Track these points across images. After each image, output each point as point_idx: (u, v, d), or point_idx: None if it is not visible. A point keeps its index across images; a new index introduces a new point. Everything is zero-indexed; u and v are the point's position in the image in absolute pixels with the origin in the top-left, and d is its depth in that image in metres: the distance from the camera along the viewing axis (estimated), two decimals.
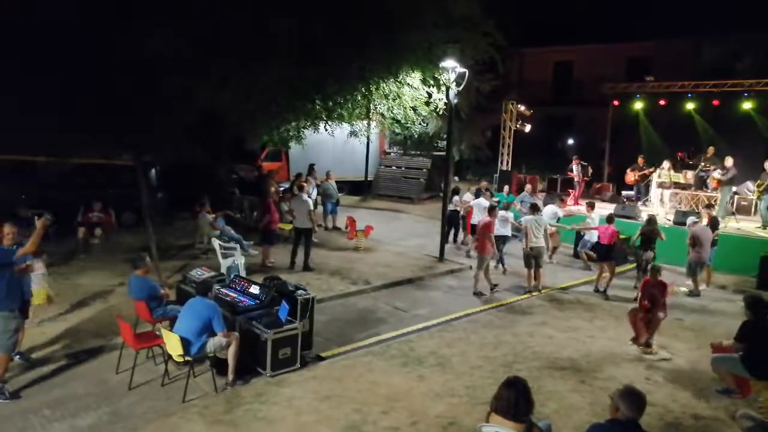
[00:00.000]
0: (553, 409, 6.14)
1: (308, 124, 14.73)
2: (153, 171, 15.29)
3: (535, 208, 11.50)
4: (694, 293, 11.21)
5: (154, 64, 9.11)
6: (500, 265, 12.40)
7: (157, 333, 6.81)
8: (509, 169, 20.99)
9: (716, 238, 11.71)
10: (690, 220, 12.26)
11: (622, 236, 12.55)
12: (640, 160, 17.91)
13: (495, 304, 10.25)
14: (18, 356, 6.77)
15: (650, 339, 8.01)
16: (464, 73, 12.83)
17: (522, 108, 21.01)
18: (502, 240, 12.04)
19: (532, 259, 10.93)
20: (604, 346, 8.15)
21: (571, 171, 19.08)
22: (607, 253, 11.39)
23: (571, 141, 26.77)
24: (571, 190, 19.05)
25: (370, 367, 7.02)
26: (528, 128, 21.16)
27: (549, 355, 7.74)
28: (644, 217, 15.01)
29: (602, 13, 25.61)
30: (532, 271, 10.99)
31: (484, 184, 16.37)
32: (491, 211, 10.98)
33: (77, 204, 12.62)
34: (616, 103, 21.06)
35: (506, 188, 16.78)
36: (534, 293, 10.87)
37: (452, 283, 11.59)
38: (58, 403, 6.10)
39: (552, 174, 22.25)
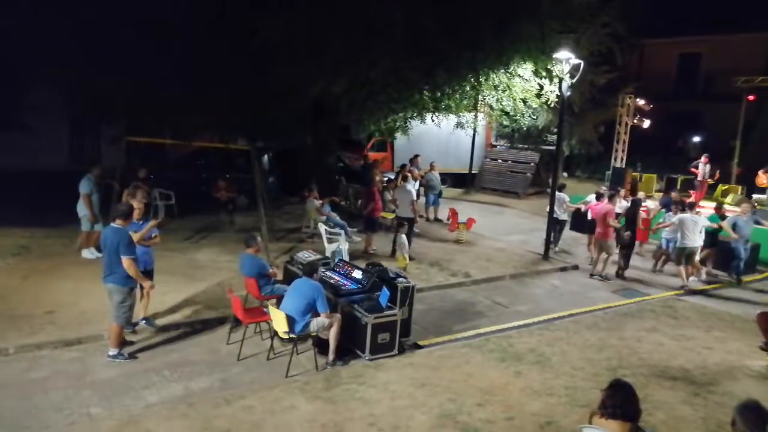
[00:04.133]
0: (661, 420, 5.79)
1: (415, 114, 14.80)
2: (266, 156, 16.09)
3: (692, 207, 11.11)
4: None
5: (271, 54, 9.57)
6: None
7: (265, 310, 7.18)
8: (623, 167, 19.90)
9: None
10: None
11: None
12: None
13: (601, 305, 9.82)
14: (144, 321, 7.43)
15: None
16: (579, 64, 12.29)
17: (641, 102, 19.81)
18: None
19: (684, 257, 10.92)
20: (723, 359, 7.54)
21: (696, 168, 17.75)
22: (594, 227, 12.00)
23: (696, 138, 24.86)
24: (692, 192, 17.74)
25: (467, 359, 6.98)
26: (646, 124, 19.94)
27: (658, 363, 7.29)
28: None
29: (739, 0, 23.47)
30: (683, 267, 10.97)
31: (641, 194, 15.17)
32: (611, 198, 11.53)
33: (197, 185, 13.57)
34: (751, 97, 19.29)
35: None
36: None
37: (556, 282, 11.21)
38: (175, 366, 6.63)
39: (671, 173, 20.83)
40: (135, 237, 6.96)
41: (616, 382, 3.72)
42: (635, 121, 19.87)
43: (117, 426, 5.19)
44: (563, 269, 12.05)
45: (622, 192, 14.38)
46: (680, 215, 11.05)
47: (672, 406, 6.11)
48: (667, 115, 24.33)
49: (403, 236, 10.18)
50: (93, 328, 7.21)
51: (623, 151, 20.29)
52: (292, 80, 9.85)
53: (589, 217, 12.57)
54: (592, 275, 11.42)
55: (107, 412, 5.56)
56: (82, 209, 10.07)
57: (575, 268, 12.15)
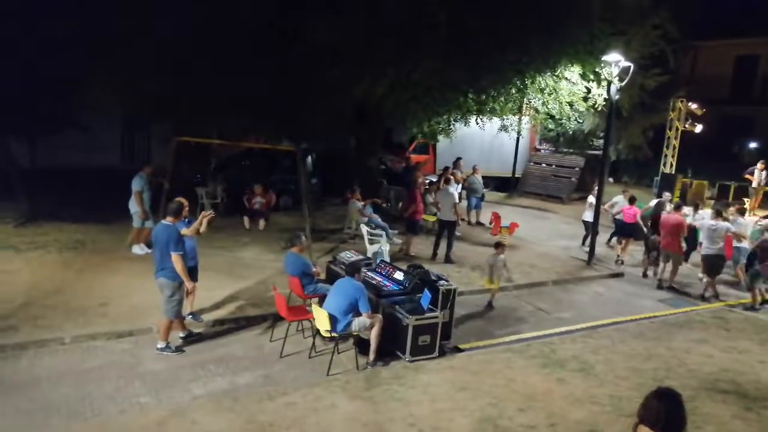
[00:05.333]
0: None
1: (459, 117, 14.73)
2: (309, 158, 16.30)
3: (719, 214, 10.72)
4: None
5: (314, 55, 9.69)
6: None
7: (308, 308, 7.28)
8: (673, 173, 19.33)
9: None
10: None
11: None
12: None
13: (648, 314, 9.57)
14: (191, 316, 7.64)
15: None
16: (628, 67, 12.00)
17: (693, 106, 19.21)
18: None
19: (708, 267, 10.64)
20: None
21: (751, 174, 17.08)
22: (631, 231, 12.40)
23: (753, 144, 23.89)
24: (746, 199, 17.09)
25: (508, 364, 6.92)
26: (699, 128, 19.32)
27: (708, 375, 7.06)
28: None
29: None
30: (711, 279, 10.68)
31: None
32: (677, 209, 11.10)
33: (244, 183, 13.79)
34: None
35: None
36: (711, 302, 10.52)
37: (600, 290, 10.99)
38: (220, 360, 6.79)
39: (723, 180, 20.10)
40: (190, 230, 7.19)
41: (662, 391, 3.62)
42: (687, 125, 19.28)
43: (165, 416, 5.35)
44: (608, 276, 11.79)
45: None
46: (700, 222, 10.71)
47: (722, 420, 5.91)
48: (720, 120, 23.49)
49: (500, 257, 9.30)
50: (143, 321, 7.45)
51: (673, 156, 19.72)
52: (335, 81, 9.96)
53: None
54: (666, 287, 11.12)
55: (156, 403, 5.75)
56: (133, 206, 10.41)
57: (620, 275, 11.88)
